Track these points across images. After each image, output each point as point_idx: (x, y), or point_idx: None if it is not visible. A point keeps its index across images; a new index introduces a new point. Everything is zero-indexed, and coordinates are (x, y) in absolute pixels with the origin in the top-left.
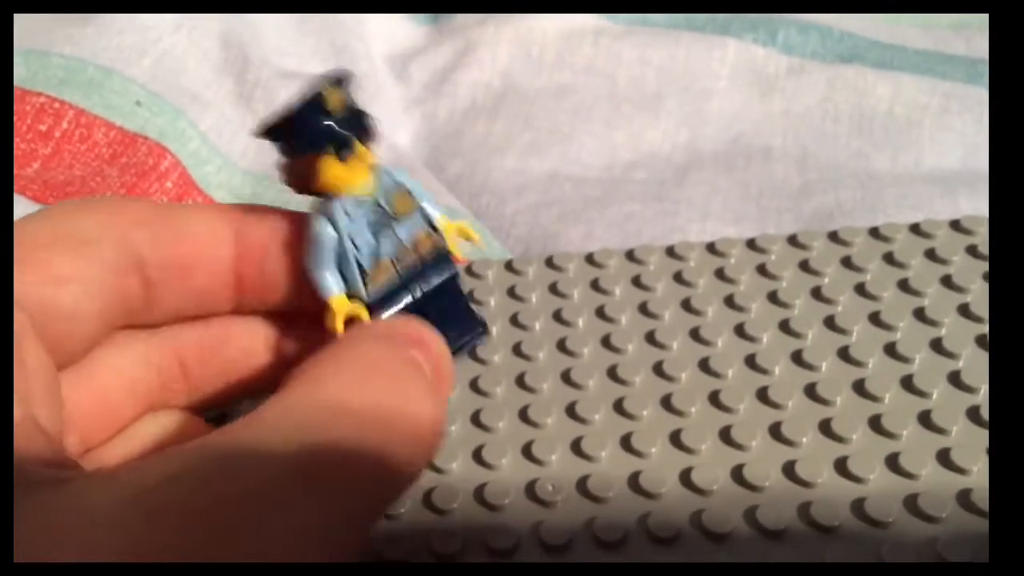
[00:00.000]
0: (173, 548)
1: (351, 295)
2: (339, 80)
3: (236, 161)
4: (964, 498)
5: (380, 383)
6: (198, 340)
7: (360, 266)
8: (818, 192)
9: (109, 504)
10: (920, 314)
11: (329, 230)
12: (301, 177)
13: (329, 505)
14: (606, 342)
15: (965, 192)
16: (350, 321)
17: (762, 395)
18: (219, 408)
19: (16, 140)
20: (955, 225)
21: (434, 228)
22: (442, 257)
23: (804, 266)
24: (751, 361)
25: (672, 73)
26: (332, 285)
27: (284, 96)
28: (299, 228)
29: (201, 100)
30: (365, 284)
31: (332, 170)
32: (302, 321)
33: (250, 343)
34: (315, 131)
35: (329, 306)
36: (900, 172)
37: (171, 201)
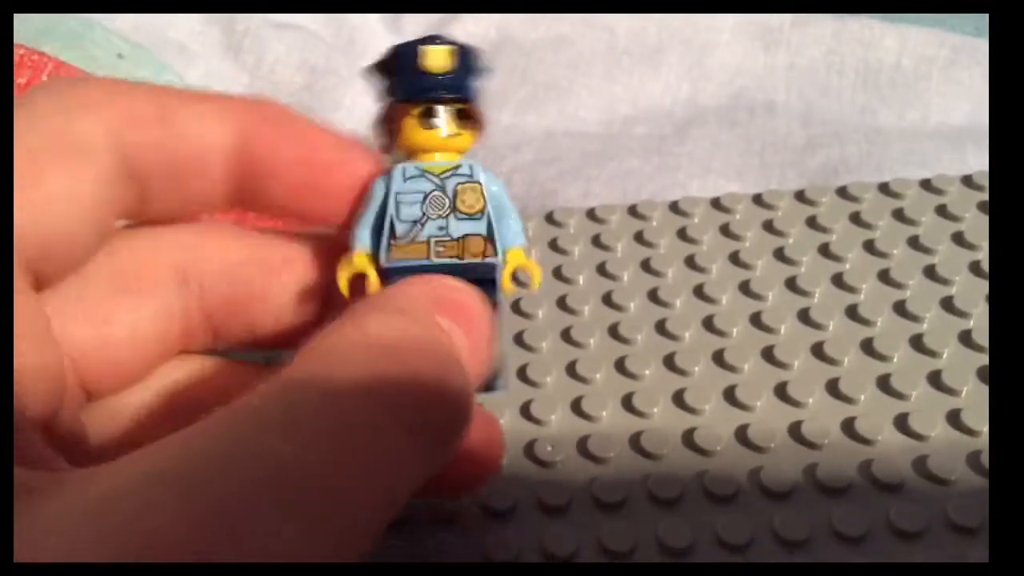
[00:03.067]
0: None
1: (376, 257)
2: (451, 44)
3: None
4: (974, 460)
5: (395, 368)
6: (226, 295)
7: (393, 231)
8: (822, 147)
9: (62, 514)
10: (931, 272)
11: (380, 188)
12: (384, 125)
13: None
14: (608, 299)
15: (973, 147)
16: (360, 283)
17: (767, 354)
18: (243, 352)
19: None
20: (967, 181)
21: (492, 244)
22: (487, 272)
23: (812, 222)
24: (756, 320)
25: (673, 25)
26: (358, 240)
27: (274, 47)
28: (306, 128)
29: (187, 51)
30: (388, 249)
31: (408, 129)
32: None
33: (281, 300)
34: (404, 82)
35: (341, 260)
36: (906, 127)
37: None
